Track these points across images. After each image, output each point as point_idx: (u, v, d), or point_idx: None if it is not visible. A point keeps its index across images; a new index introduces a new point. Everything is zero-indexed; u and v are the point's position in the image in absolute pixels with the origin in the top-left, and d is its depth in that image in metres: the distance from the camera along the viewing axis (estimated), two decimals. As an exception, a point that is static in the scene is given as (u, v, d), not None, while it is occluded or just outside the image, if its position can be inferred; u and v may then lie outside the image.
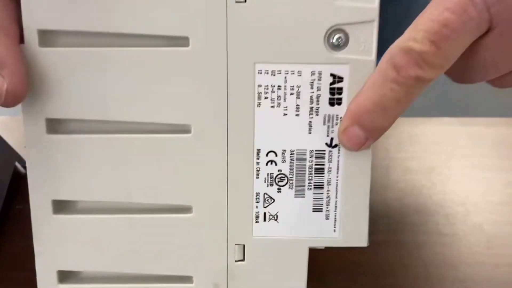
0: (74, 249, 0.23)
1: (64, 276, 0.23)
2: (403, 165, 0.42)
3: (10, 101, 0.19)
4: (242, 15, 0.20)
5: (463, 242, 0.37)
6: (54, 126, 0.22)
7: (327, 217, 0.23)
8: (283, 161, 0.22)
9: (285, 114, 0.22)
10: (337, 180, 0.22)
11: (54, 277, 0.23)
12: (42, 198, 0.22)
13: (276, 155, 0.22)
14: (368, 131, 0.21)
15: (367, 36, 0.21)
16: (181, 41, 0.21)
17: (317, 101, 0.21)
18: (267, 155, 0.22)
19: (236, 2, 0.20)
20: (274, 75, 0.21)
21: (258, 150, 0.22)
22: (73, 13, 0.20)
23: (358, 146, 0.21)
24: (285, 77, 0.21)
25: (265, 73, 0.21)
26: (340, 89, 0.21)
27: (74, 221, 0.23)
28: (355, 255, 0.33)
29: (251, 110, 0.21)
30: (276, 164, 0.22)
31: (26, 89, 0.20)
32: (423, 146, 0.44)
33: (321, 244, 0.23)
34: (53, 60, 0.21)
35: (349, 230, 0.23)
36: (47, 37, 0.21)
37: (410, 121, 0.45)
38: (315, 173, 0.22)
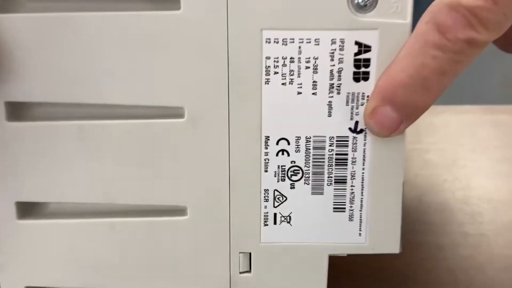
0: (44, 261, 0.19)
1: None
2: (422, 158, 0.38)
3: None
4: (245, -32, 0.16)
5: (492, 243, 0.33)
6: (16, 111, 0.18)
7: (350, 218, 0.19)
8: (297, 150, 0.18)
9: (299, 93, 0.18)
10: (363, 173, 0.18)
11: None
12: (4, 200, 0.18)
13: (289, 144, 0.18)
14: (402, 112, 0.17)
15: (401, -6, 0.17)
16: (171, 3, 0.17)
17: (339, 76, 0.17)
18: (277, 143, 0.18)
19: (238, -48, 0.16)
20: (286, 44, 0.17)
21: (267, 138, 0.18)
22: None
23: (389, 130, 0.17)
24: (299, 47, 0.17)
25: (274, 42, 0.17)
26: (367, 60, 0.17)
27: (44, 227, 0.19)
28: (372, 259, 0.29)
29: (257, 89, 0.17)
30: (288, 155, 0.18)
31: None
32: (444, 137, 0.40)
33: (343, 251, 0.19)
34: (12, 28, 0.17)
35: (378, 234, 0.19)
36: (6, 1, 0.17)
37: (429, 110, 0.41)
38: (336, 164, 0.18)
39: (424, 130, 0.40)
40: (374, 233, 0.19)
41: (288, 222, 0.19)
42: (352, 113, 0.18)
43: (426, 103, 0.16)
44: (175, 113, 0.18)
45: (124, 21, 0.17)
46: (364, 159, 0.18)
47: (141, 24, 0.17)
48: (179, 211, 0.19)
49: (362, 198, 0.19)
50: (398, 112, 0.17)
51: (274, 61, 0.17)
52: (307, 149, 0.18)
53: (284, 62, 0.17)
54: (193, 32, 0.17)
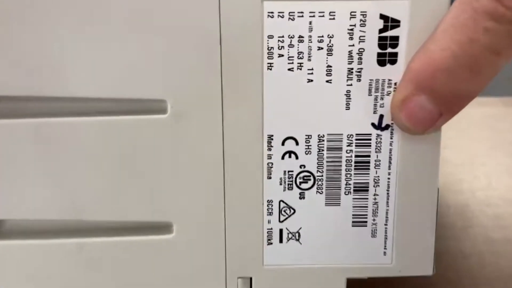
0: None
1: None
2: (438, 155, 0.35)
3: None
4: None
5: (518, 248, 0.30)
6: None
7: (373, 234, 0.15)
8: (308, 152, 0.15)
9: (309, 81, 0.14)
10: (388, 178, 0.15)
11: None
12: None
13: (297, 144, 0.15)
14: (442, 103, 0.13)
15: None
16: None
17: (360, 58, 0.14)
18: (283, 143, 0.15)
19: None
20: (293, 19, 0.14)
21: (270, 137, 0.15)
22: None
23: (424, 126, 0.14)
24: (310, 23, 0.14)
25: (278, 16, 0.14)
26: (395, 38, 0.14)
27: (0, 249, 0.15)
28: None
29: (258, 76, 0.14)
30: (297, 157, 0.15)
31: None
32: (461, 132, 0.37)
33: (365, 273, 0.16)
34: None
35: (407, 253, 0.15)
36: None
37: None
38: (355, 169, 0.15)
39: (439, 125, 0.36)
40: (402, 252, 0.15)
41: (297, 240, 0.15)
42: (375, 105, 0.14)
43: (473, 90, 0.13)
44: (156, 107, 0.14)
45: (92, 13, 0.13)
46: (390, 162, 0.15)
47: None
48: (163, 228, 0.15)
49: (387, 210, 0.15)
50: (437, 103, 0.13)
51: (279, 40, 0.14)
52: (320, 150, 0.15)
53: (291, 42, 0.14)
54: (175, 6, 0.13)
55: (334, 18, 0.14)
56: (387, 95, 0.14)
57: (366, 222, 0.15)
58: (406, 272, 0.16)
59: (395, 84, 0.14)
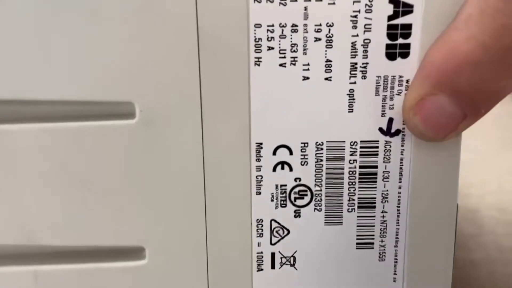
0: None
1: None
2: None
3: None
4: None
5: (532, 257, 0.28)
6: None
7: (381, 258, 0.13)
8: (304, 163, 0.12)
9: (305, 78, 0.12)
10: (399, 192, 0.13)
11: None
12: None
13: (291, 153, 0.12)
14: (467, 103, 0.11)
15: None
16: None
17: (365, 51, 0.12)
18: (274, 153, 0.12)
19: None
20: (285, 4, 0.11)
21: (259, 146, 0.12)
22: None
23: (445, 131, 0.11)
24: (305, 8, 0.11)
25: (267, 0, 0.11)
26: (408, 27, 0.11)
27: None
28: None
29: (243, 73, 0.12)
30: (291, 169, 0.12)
31: None
32: (469, 131, 0.35)
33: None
34: None
35: (421, 278, 0.13)
36: None
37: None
38: (360, 181, 0.13)
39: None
40: (415, 278, 0.13)
41: (292, 265, 0.13)
42: (384, 106, 0.12)
43: (506, 87, 0.11)
44: (122, 111, 0.12)
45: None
46: (401, 174, 0.12)
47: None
48: (134, 253, 0.13)
49: (398, 229, 0.13)
50: (460, 103, 0.11)
51: (268, 30, 0.11)
52: (318, 160, 0.12)
53: (282, 31, 0.11)
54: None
55: (334, 3, 0.11)
56: (398, 94, 0.12)
57: (373, 243, 0.13)
58: (419, 301, 0.13)
59: (408, 81, 0.12)
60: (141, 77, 0.12)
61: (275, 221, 0.13)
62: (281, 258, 0.13)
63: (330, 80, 0.12)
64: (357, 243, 0.13)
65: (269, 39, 0.12)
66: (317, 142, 0.12)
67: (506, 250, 0.28)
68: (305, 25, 0.11)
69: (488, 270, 0.27)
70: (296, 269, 0.13)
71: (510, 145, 0.33)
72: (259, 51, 0.12)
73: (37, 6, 0.11)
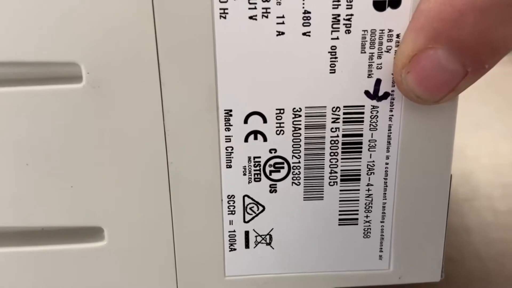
0: None
1: None
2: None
3: None
4: None
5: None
6: None
7: (366, 234, 0.12)
8: (280, 131, 0.11)
9: (280, 33, 0.10)
10: (386, 164, 0.11)
11: None
12: None
13: (265, 121, 0.11)
14: (469, 55, 0.09)
15: None
16: None
17: (349, 1, 0.10)
18: (246, 121, 0.11)
19: None
20: None
21: (228, 113, 0.11)
22: None
23: (442, 90, 0.10)
24: None
25: None
26: (399, -29, 0.10)
27: None
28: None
29: (206, 28, 0.10)
30: (265, 139, 0.11)
31: None
32: (464, 93, 0.33)
33: (356, 282, 0.12)
34: None
35: (409, 256, 0.12)
36: None
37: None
38: (343, 152, 0.11)
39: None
40: (402, 255, 0.12)
41: (268, 244, 0.12)
42: (371, 65, 0.10)
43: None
44: (67, 74, 0.10)
45: None
46: (389, 143, 0.11)
47: None
48: (92, 234, 0.12)
49: (384, 204, 0.12)
50: (461, 57, 0.09)
51: (234, -25, 0.10)
52: (296, 129, 0.11)
53: (251, -23, 0.10)
54: None
55: None
56: (387, 51, 0.10)
57: (357, 219, 0.12)
58: (408, 279, 0.12)
59: (398, 36, 0.10)
60: (87, 34, 0.10)
61: (249, 196, 0.11)
62: (255, 236, 0.12)
63: (309, 35, 0.10)
64: (339, 219, 0.12)
65: (236, -14, 0.10)
66: (294, 108, 0.11)
67: (501, 214, 0.27)
68: (279, -31, 0.10)
69: (482, 235, 0.26)
70: (273, 248, 0.12)
71: (506, 107, 0.32)
72: (225, 1, 0.10)
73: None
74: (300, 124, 0.11)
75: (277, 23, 0.10)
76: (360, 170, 0.11)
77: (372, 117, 0.11)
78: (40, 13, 0.10)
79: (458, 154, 0.31)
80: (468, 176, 0.29)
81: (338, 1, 0.10)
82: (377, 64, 0.10)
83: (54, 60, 0.10)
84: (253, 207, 0.12)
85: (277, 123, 0.11)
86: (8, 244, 0.12)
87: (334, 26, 0.10)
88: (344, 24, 0.10)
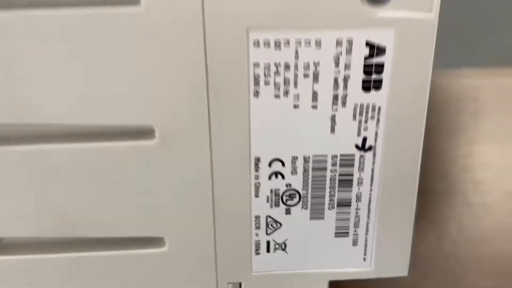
0: None
1: None
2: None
3: None
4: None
5: (495, 212, 0.32)
6: None
7: (354, 243, 0.16)
8: (294, 172, 0.15)
9: (296, 106, 0.14)
10: (370, 194, 0.16)
11: None
12: None
13: (284, 165, 0.15)
14: None
15: (426, -19, 0.13)
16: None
17: (345, 85, 0.14)
18: (270, 165, 0.15)
19: None
20: (279, 48, 0.13)
21: (257, 160, 0.15)
22: None
23: None
24: (296, 51, 0.14)
25: (264, 45, 0.13)
26: (380, 65, 0.14)
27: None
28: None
29: (244, 102, 0.14)
30: (283, 177, 0.15)
31: None
32: (443, 103, 0.37)
33: (345, 277, 0.17)
34: None
35: (385, 258, 0.17)
36: None
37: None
38: (339, 186, 0.15)
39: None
40: (380, 257, 0.16)
41: (283, 250, 0.16)
42: (359, 128, 0.15)
43: None
44: (143, 133, 0.15)
45: (74, 21, 0.13)
46: (372, 180, 0.15)
47: (95, 24, 0.13)
48: (156, 241, 0.16)
49: (368, 222, 0.16)
50: None
51: (265, 68, 0.14)
52: (306, 170, 0.15)
53: (277, 70, 0.14)
54: (158, 33, 0.13)
55: (320, 47, 0.13)
56: (371, 119, 0.15)
57: (347, 233, 0.16)
58: (383, 275, 0.17)
59: (379, 108, 0.14)
60: (161, 107, 0.14)
61: (270, 217, 0.16)
62: (274, 244, 0.16)
63: (316, 108, 0.14)
64: (335, 233, 0.16)
65: (266, 75, 0.14)
66: (305, 156, 0.15)
67: (473, 205, 0.31)
68: (296, 64, 0.14)
69: (456, 223, 0.31)
70: (287, 253, 0.16)
71: (478, 113, 0.36)
72: (258, 85, 0.14)
73: (67, 39, 0.13)
74: (308, 167, 0.15)
75: (294, 99, 0.14)
76: (351, 199, 0.16)
77: (360, 163, 0.15)
78: (130, 88, 0.14)
79: (436, 155, 0.36)
80: (445, 174, 0.33)
81: (337, 85, 0.14)
82: (364, 127, 0.15)
83: (137, 124, 0.14)
84: (273, 224, 0.16)
85: (292, 166, 0.15)
86: (96, 250, 0.16)
87: (334, 102, 0.14)
88: (341, 100, 0.14)
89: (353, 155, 0.15)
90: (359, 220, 0.16)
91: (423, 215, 0.29)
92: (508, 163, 0.34)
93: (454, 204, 0.32)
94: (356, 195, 0.16)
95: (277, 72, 0.14)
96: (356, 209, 0.16)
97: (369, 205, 0.16)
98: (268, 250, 0.16)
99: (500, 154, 0.34)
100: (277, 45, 0.13)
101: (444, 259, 0.29)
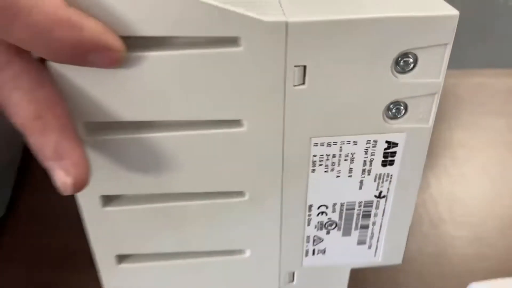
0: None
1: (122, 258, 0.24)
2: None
3: (73, 191, 0.19)
4: (300, 97, 0.19)
5: (470, 179, 0.41)
6: (109, 200, 0.22)
7: (369, 247, 0.25)
8: (334, 211, 0.23)
9: (337, 176, 0.22)
10: (381, 220, 0.24)
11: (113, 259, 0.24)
12: (107, 251, 0.24)
13: (327, 208, 0.23)
14: None
15: (427, 106, 0.20)
16: (235, 123, 0.20)
17: (370, 163, 0.22)
18: (318, 208, 0.23)
19: (295, 86, 0.19)
20: (330, 146, 0.21)
21: (310, 206, 0.23)
22: (117, 105, 0.19)
23: None
24: (341, 147, 0.21)
25: (320, 145, 0.21)
26: (394, 153, 0.21)
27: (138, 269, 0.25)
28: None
29: (305, 175, 0.22)
30: (326, 214, 0.23)
31: (88, 177, 0.19)
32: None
33: (361, 265, 0.26)
34: (101, 147, 0.20)
35: (388, 253, 0.25)
36: (93, 127, 0.20)
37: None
38: (362, 217, 0.24)
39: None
40: (385, 253, 0.25)
41: (323, 254, 0.25)
42: (378, 185, 0.23)
43: None
44: (238, 194, 0.22)
45: (193, 138, 0.20)
46: (383, 213, 0.24)
47: (210, 140, 0.20)
48: (240, 252, 0.25)
49: (379, 236, 0.25)
50: None
51: (320, 157, 0.21)
52: (341, 210, 0.23)
53: (327, 157, 0.21)
54: (254, 142, 0.20)
55: (356, 144, 0.21)
56: (386, 181, 0.22)
57: (365, 242, 0.25)
58: (387, 263, 0.26)
59: (391, 175, 0.22)
60: (251, 179, 0.22)
61: (316, 236, 0.24)
62: (318, 251, 0.25)
63: (351, 177, 0.22)
64: (357, 242, 0.25)
65: (320, 161, 0.21)
66: (341, 203, 0.23)
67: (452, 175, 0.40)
68: (340, 154, 0.21)
69: (439, 190, 0.40)
70: (325, 255, 0.25)
71: (459, 107, 0.43)
72: (314, 166, 0.22)
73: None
74: (343, 208, 0.23)
75: (337, 173, 0.22)
76: (369, 223, 0.24)
77: (376, 204, 0.23)
78: (231, 167, 0.21)
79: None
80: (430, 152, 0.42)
81: (365, 164, 0.22)
82: (381, 185, 0.22)
83: (234, 190, 0.22)
84: (317, 239, 0.24)
85: (333, 208, 0.23)
86: (188, 258, 0.25)
87: (363, 173, 0.22)
88: (367, 172, 0.22)
89: (372, 201, 0.23)
90: (373, 235, 0.25)
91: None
92: (479, 142, 0.42)
93: (438, 174, 0.41)
94: (372, 222, 0.24)
95: (327, 159, 0.21)
96: (372, 229, 0.24)
97: (380, 226, 0.24)
98: (313, 254, 0.25)
99: (473, 137, 0.42)
100: (329, 145, 0.21)
101: (427, 216, 0.38)
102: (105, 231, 0.23)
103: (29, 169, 0.39)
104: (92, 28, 0.16)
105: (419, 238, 0.37)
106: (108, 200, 0.22)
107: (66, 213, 0.30)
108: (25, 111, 0.17)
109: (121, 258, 0.24)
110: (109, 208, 0.22)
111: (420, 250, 0.36)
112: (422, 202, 0.39)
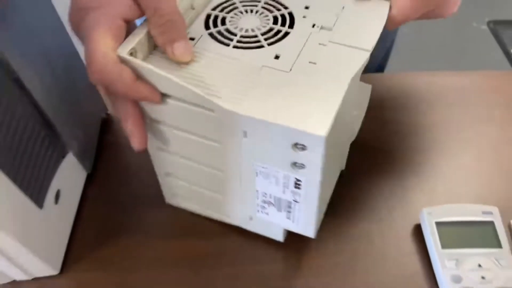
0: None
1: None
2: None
3: (139, 151, 0.40)
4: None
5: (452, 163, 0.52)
6: (161, 150, 0.43)
7: (293, 221, 0.42)
8: (270, 197, 0.41)
9: (270, 182, 0.39)
10: (297, 209, 0.41)
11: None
12: (161, 172, 0.45)
13: (266, 195, 0.40)
14: None
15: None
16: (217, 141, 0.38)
17: (287, 185, 0.38)
18: (262, 193, 0.41)
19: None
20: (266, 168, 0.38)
21: (257, 190, 0.40)
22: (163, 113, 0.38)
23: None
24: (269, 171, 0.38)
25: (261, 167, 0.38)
26: (300, 182, 0.37)
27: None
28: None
29: (254, 177, 0.39)
30: (266, 197, 0.41)
31: (146, 143, 0.40)
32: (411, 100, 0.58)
33: (289, 229, 0.43)
34: (154, 130, 0.40)
35: (303, 227, 0.42)
36: (151, 121, 0.39)
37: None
38: (286, 206, 0.41)
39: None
40: (302, 226, 0.42)
41: (267, 215, 0.43)
42: (293, 195, 0.39)
43: None
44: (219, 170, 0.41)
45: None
46: (298, 207, 0.40)
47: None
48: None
49: (297, 216, 0.41)
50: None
51: (260, 171, 0.38)
52: (274, 198, 0.40)
53: (265, 171, 0.38)
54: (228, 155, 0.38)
55: (278, 172, 0.37)
56: (297, 194, 0.39)
57: (290, 218, 0.42)
58: (302, 233, 0.43)
59: (301, 190, 0.38)
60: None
61: (261, 205, 0.42)
62: (264, 212, 0.43)
63: (278, 185, 0.39)
64: (285, 217, 0.42)
65: (260, 172, 0.38)
66: (274, 196, 0.40)
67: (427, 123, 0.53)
68: (270, 172, 0.38)
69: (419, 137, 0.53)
70: (268, 216, 0.43)
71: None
72: (257, 175, 0.39)
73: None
74: (276, 198, 0.40)
75: (270, 180, 0.39)
76: (290, 210, 0.41)
77: (294, 202, 0.40)
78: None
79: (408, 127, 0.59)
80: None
81: (284, 184, 0.38)
82: (295, 195, 0.39)
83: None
84: (262, 207, 0.42)
85: (269, 196, 0.41)
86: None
87: (283, 185, 0.38)
88: (285, 186, 0.38)
89: (291, 201, 0.40)
90: (294, 215, 0.41)
91: (412, 171, 0.52)
92: (455, 131, 0.54)
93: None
94: (292, 209, 0.41)
95: (264, 172, 0.38)
96: (292, 212, 0.41)
97: (296, 212, 0.41)
98: (261, 213, 0.43)
99: (449, 126, 0.55)
100: (264, 168, 0.38)
101: (426, 196, 0.52)
102: (160, 163, 0.44)
103: (110, 134, 0.56)
104: (145, 92, 0.35)
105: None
106: (160, 149, 0.42)
107: (139, 167, 0.52)
108: (126, 121, 0.38)
109: (167, 174, 0.46)
110: (161, 153, 0.43)
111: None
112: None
